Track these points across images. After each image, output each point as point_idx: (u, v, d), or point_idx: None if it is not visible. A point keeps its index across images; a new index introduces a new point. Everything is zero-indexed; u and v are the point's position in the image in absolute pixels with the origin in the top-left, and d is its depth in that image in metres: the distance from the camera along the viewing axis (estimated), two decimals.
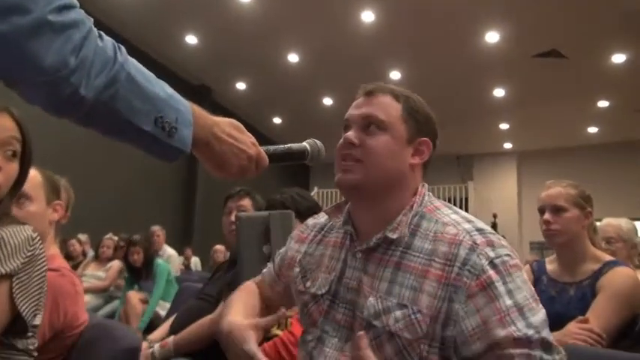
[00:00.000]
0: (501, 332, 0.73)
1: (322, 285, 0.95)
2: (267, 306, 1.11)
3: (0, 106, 1.00)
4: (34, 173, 1.38)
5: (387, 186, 0.91)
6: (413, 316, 0.80)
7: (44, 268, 1.05)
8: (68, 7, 0.57)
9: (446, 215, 0.90)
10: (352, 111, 0.97)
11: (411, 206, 0.91)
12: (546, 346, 0.73)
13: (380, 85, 0.97)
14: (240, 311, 1.01)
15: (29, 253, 0.99)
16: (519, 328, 0.73)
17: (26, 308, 0.99)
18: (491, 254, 0.80)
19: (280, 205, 1.66)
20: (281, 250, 1.15)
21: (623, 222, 2.37)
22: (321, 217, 1.10)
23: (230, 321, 0.97)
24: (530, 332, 0.73)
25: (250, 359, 0.85)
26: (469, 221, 0.87)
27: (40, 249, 1.03)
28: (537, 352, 0.72)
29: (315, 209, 1.76)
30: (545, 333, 0.74)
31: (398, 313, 0.81)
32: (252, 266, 1.47)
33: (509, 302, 0.75)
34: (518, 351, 0.72)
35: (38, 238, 1.03)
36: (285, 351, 1.46)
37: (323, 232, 1.05)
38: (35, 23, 0.53)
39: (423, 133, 0.95)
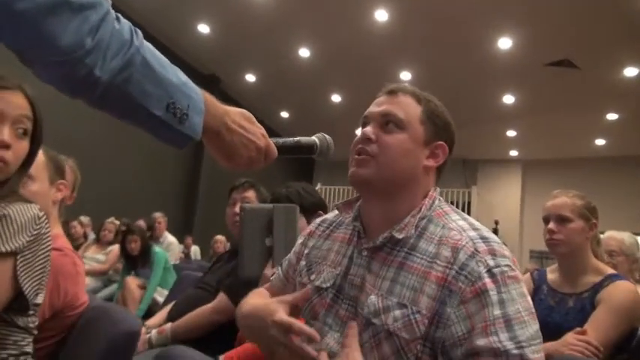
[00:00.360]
0: (482, 341, 0.73)
1: (327, 279, 0.96)
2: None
3: (14, 84, 1.00)
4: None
5: (398, 184, 0.91)
6: (412, 317, 0.80)
7: (49, 248, 1.06)
8: None
9: (453, 221, 0.90)
10: (372, 108, 0.97)
11: (420, 208, 0.91)
12: None
13: (403, 86, 0.97)
14: (258, 299, 1.01)
15: (35, 232, 1.00)
16: (501, 339, 0.72)
17: (29, 287, 0.99)
18: (491, 263, 0.79)
19: (285, 199, 1.66)
20: (288, 255, 1.15)
21: (626, 236, 2.37)
22: (331, 214, 1.10)
23: (251, 303, 0.96)
24: (510, 346, 0.72)
25: (283, 331, 0.81)
26: (475, 229, 0.87)
27: (46, 228, 1.04)
28: None
29: (320, 205, 1.76)
30: (529, 351, 0.73)
31: (397, 313, 0.81)
32: (253, 258, 1.48)
33: (497, 312, 0.74)
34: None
35: (45, 217, 1.03)
36: None
37: (331, 228, 1.05)
38: (53, 2, 0.53)
39: (441, 137, 0.95)
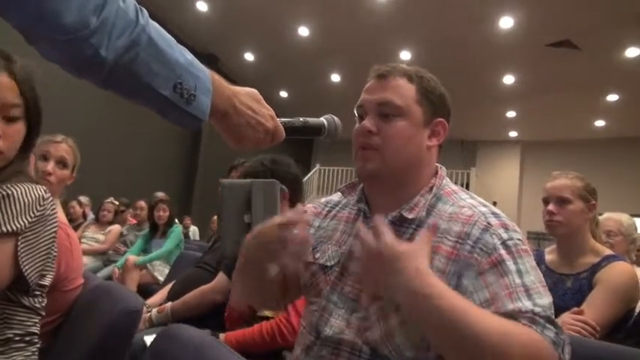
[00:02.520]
0: (510, 305, 0.74)
1: (332, 257, 0.96)
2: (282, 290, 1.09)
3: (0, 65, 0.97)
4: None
5: (406, 171, 0.92)
6: None
7: (54, 229, 1.05)
8: None
9: (462, 199, 0.91)
10: (366, 96, 0.95)
11: (431, 187, 0.92)
12: (551, 323, 0.74)
13: (392, 67, 0.95)
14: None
15: (38, 213, 0.99)
16: (525, 305, 0.74)
17: (29, 268, 0.99)
18: (505, 236, 0.81)
19: (264, 173, 1.62)
20: None
21: (624, 217, 2.39)
22: (336, 195, 1.10)
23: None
24: (538, 309, 0.74)
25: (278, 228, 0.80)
26: (485, 205, 0.89)
27: (52, 209, 1.03)
28: (542, 322, 0.73)
29: (298, 181, 1.71)
30: (551, 313, 0.75)
31: None
32: (233, 235, 1.44)
33: (517, 281, 0.76)
34: (523, 321, 0.73)
35: (50, 198, 1.03)
36: (280, 336, 1.47)
37: (337, 208, 1.06)
38: None
39: (439, 113, 0.95)
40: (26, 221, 0.97)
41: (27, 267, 0.98)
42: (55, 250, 1.07)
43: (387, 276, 0.73)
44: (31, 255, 0.99)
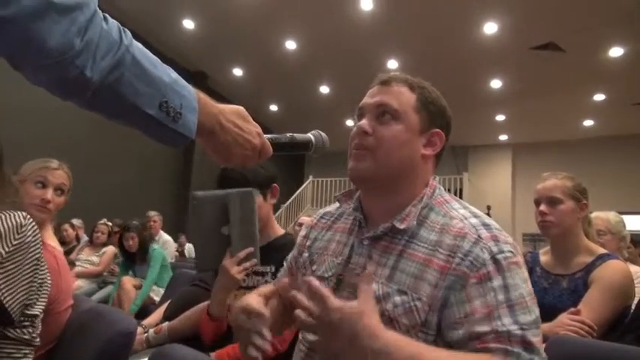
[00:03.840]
0: (485, 327, 0.74)
1: (329, 268, 0.97)
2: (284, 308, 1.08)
3: None
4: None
5: (397, 176, 0.92)
6: (412, 303, 0.81)
7: (36, 255, 1.02)
8: None
9: (454, 209, 0.91)
10: (367, 99, 0.97)
11: (421, 198, 0.92)
12: (527, 346, 0.73)
13: (395, 75, 0.97)
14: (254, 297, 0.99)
15: (17, 242, 0.97)
16: (504, 323, 0.74)
17: (11, 299, 0.96)
18: (494, 249, 0.81)
19: (241, 177, 1.57)
20: (292, 250, 1.15)
21: (611, 215, 2.40)
22: (332, 206, 1.11)
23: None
24: (513, 328, 0.73)
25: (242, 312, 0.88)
26: (476, 216, 0.88)
27: (34, 236, 1.01)
28: (516, 349, 0.72)
29: (274, 178, 1.67)
30: (530, 334, 0.74)
31: (397, 299, 0.83)
32: (210, 248, 1.38)
33: (501, 297, 0.76)
34: (496, 345, 0.73)
35: (32, 224, 1.00)
36: (271, 346, 1.45)
37: (333, 219, 1.07)
38: (40, 6, 0.53)
39: (437, 124, 0.96)
40: (2, 251, 0.94)
41: (7, 299, 0.95)
42: (41, 276, 1.04)
43: (337, 340, 0.70)
44: (11, 286, 0.96)
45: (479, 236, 0.82)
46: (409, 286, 0.83)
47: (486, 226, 0.85)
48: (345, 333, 0.69)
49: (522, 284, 0.79)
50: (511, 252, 0.81)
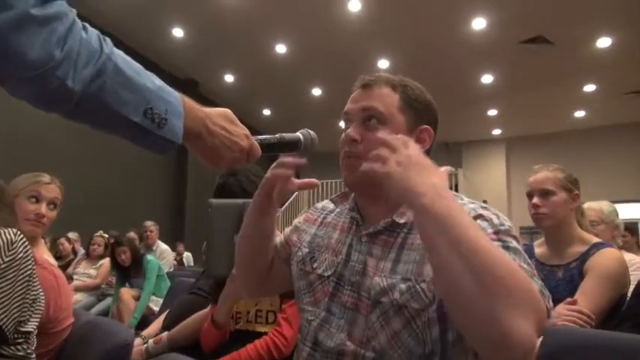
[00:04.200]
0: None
1: (329, 267, 0.96)
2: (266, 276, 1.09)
3: None
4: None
5: None
6: (417, 287, 0.82)
7: (28, 272, 1.01)
8: (51, 0, 0.57)
9: None
10: (350, 105, 0.97)
11: None
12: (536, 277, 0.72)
13: (376, 76, 0.97)
14: None
15: (8, 259, 0.96)
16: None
17: (4, 317, 0.95)
18: (496, 221, 0.81)
19: (238, 188, 1.59)
20: (286, 229, 1.15)
21: (604, 205, 2.41)
22: (331, 203, 1.11)
23: None
24: (525, 265, 0.73)
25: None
26: (473, 203, 0.90)
27: (25, 252, 1.00)
28: (530, 273, 0.72)
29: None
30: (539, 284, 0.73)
31: (402, 286, 0.83)
32: (223, 256, 1.39)
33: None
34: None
35: (23, 241, 1.00)
36: (276, 350, 1.45)
37: (332, 216, 1.06)
38: (18, 18, 0.53)
39: (423, 120, 0.96)
40: None
41: (1, 317, 0.95)
42: (34, 292, 1.03)
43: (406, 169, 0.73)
44: (5, 303, 0.95)
45: (479, 214, 0.83)
46: (412, 272, 0.84)
47: (485, 208, 0.86)
48: (423, 172, 0.74)
49: (523, 254, 0.77)
50: (511, 227, 0.82)
